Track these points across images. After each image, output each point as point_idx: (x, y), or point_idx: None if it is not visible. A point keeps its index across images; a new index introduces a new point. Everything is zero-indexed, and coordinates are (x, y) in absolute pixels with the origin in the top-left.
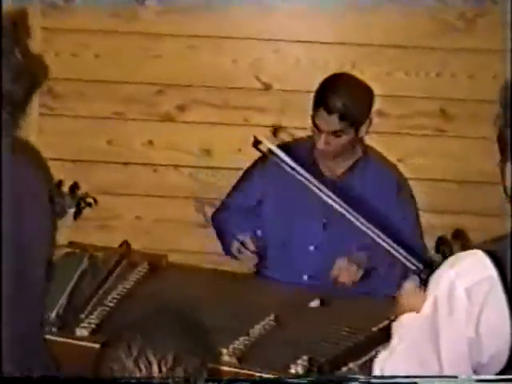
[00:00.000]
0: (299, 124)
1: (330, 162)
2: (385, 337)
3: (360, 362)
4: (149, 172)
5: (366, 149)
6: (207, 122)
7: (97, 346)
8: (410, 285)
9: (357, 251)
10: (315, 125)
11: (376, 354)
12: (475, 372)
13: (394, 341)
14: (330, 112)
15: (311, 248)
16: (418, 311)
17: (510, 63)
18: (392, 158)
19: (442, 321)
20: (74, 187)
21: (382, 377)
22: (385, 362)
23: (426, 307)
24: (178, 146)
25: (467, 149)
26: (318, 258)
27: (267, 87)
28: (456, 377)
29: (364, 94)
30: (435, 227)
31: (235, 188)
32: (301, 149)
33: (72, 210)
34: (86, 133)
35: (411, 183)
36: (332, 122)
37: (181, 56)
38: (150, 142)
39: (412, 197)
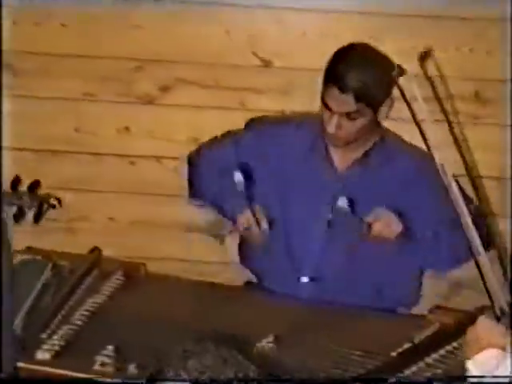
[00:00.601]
0: (304, 108)
1: (341, 150)
2: (405, 362)
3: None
4: (125, 165)
5: (385, 134)
6: (195, 105)
7: (62, 371)
8: (486, 319)
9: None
10: (325, 104)
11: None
12: None
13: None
14: (343, 90)
15: (314, 247)
16: (498, 347)
17: None
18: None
19: None
20: (34, 185)
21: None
22: None
23: None
24: (161, 134)
25: (506, 139)
26: (320, 259)
27: (267, 64)
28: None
29: (384, 68)
30: None
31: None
32: (309, 128)
33: (32, 212)
34: (50, 117)
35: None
36: (346, 102)
37: (164, 26)
38: (127, 129)
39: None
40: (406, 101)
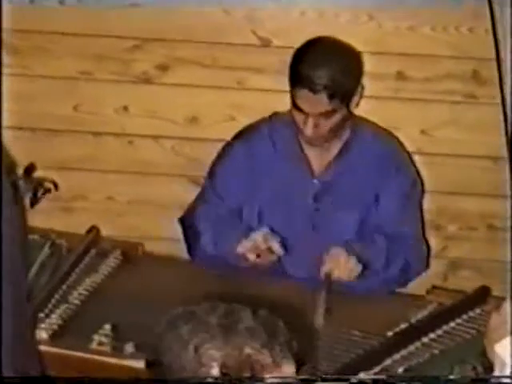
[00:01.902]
0: None
1: (318, 149)
2: (402, 342)
3: (372, 371)
4: (123, 144)
5: (356, 124)
6: (193, 84)
7: (59, 350)
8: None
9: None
10: (296, 107)
11: (393, 362)
12: None
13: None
14: (315, 91)
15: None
16: None
17: None
18: (414, 129)
19: None
20: (30, 169)
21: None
22: None
23: None
24: (158, 114)
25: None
26: (303, 258)
27: (265, 43)
28: None
29: (351, 57)
30: (465, 212)
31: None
32: (284, 131)
33: (28, 196)
34: (47, 96)
35: (437, 159)
36: (320, 102)
37: (162, 5)
38: (125, 108)
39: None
40: None
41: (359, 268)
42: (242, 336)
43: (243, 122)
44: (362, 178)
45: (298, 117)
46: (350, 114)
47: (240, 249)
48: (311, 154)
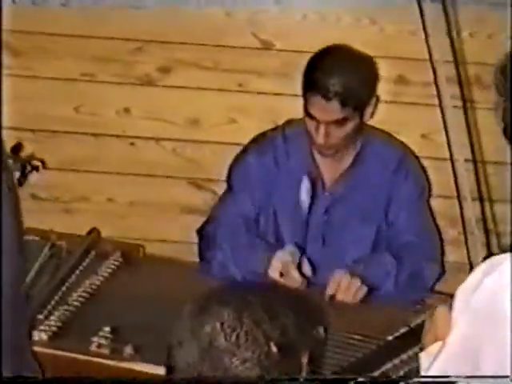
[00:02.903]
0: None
1: (329, 160)
2: (401, 347)
3: (372, 375)
4: (124, 145)
5: (367, 135)
6: (194, 86)
7: (58, 352)
8: (442, 309)
9: (353, 263)
10: (309, 114)
11: (392, 366)
12: None
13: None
14: (327, 98)
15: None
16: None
17: None
18: (415, 134)
19: (486, 338)
20: (17, 148)
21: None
22: None
23: (461, 325)
24: (160, 116)
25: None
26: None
27: (267, 46)
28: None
29: (366, 67)
30: (465, 217)
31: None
32: (298, 141)
33: (17, 175)
34: (48, 97)
35: (436, 164)
36: (332, 109)
37: (163, 7)
38: (126, 110)
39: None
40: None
41: (364, 290)
42: (282, 317)
43: (244, 124)
44: (374, 189)
45: (310, 124)
46: (362, 125)
47: (271, 273)
48: (323, 165)
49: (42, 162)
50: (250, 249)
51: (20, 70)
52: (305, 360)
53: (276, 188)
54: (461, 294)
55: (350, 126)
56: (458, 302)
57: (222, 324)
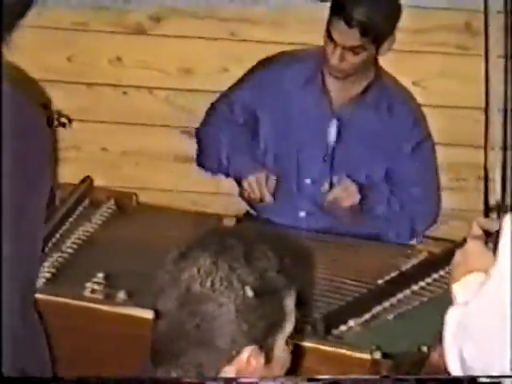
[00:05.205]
0: (298, 40)
1: (340, 83)
2: (392, 290)
3: (362, 319)
4: (117, 95)
5: (379, 71)
6: (187, 35)
7: (51, 298)
8: (474, 242)
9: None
10: (330, 36)
11: (382, 309)
12: None
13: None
14: (350, 24)
15: (307, 181)
16: (485, 272)
17: None
18: (406, 80)
19: None
20: (47, 105)
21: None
22: (463, 315)
23: (497, 275)
24: (152, 64)
25: (495, 70)
26: (315, 193)
27: None
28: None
29: (391, 4)
30: (454, 163)
31: (231, 89)
32: (308, 61)
33: None
34: (40, 47)
35: (427, 110)
36: (352, 36)
37: None
38: (119, 59)
39: (429, 136)
40: None
41: (357, 197)
42: (261, 260)
43: (236, 73)
44: (383, 122)
45: (328, 45)
46: (375, 60)
47: (244, 183)
48: (333, 87)
49: (69, 119)
50: (244, 154)
51: None
52: (289, 303)
53: (280, 99)
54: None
55: (364, 55)
56: (503, 244)
57: (198, 270)
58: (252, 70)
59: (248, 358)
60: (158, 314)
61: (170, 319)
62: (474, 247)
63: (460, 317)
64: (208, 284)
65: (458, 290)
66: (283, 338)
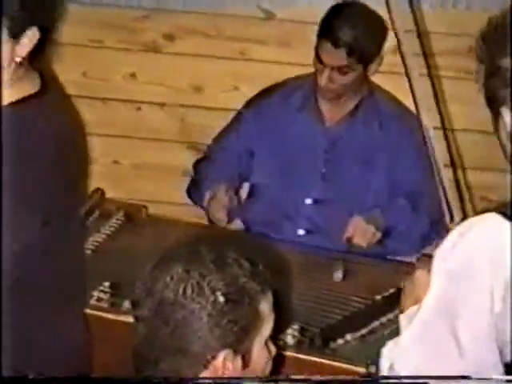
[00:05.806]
0: (305, 60)
1: (332, 104)
2: (389, 306)
3: (359, 334)
4: (130, 110)
5: (372, 87)
6: (198, 54)
7: None
8: (422, 272)
9: (369, 209)
10: (318, 57)
11: (380, 324)
12: (501, 353)
13: (404, 333)
14: (336, 45)
15: (308, 201)
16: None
17: None
18: (409, 104)
19: (462, 299)
20: None
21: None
22: (393, 352)
23: (438, 285)
24: (165, 81)
25: None
26: (316, 212)
27: (269, 16)
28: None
29: (377, 26)
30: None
31: (223, 132)
32: (301, 86)
33: None
34: (57, 62)
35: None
36: (338, 56)
37: None
38: (132, 76)
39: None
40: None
41: (378, 236)
42: (232, 267)
43: (246, 91)
44: (376, 137)
45: (317, 67)
46: (366, 78)
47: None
48: (325, 108)
49: None
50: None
51: None
52: (265, 307)
53: (272, 125)
54: (438, 254)
55: (352, 75)
56: (435, 262)
57: (171, 278)
58: (247, 105)
59: (223, 361)
60: (137, 322)
61: (147, 327)
62: (420, 277)
63: (390, 355)
64: (180, 291)
65: (403, 321)
66: (260, 341)
